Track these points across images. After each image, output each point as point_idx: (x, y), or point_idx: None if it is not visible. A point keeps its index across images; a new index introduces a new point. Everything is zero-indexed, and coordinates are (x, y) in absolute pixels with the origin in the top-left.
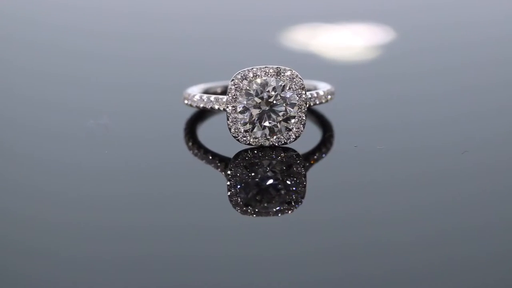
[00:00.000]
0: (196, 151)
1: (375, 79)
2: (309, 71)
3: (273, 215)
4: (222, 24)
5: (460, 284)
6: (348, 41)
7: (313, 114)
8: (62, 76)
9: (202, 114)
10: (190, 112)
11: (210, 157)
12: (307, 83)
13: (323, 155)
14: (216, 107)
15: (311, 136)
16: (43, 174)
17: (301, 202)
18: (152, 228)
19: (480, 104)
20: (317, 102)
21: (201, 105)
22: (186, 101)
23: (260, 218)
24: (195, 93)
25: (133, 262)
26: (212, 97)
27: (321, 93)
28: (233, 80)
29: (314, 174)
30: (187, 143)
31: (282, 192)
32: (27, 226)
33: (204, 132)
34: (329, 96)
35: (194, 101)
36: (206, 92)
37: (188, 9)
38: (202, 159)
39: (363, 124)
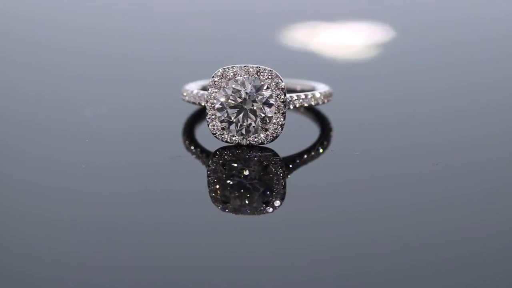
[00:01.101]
0: (192, 148)
1: (374, 77)
2: (308, 70)
3: (252, 214)
4: (222, 22)
5: (453, 283)
6: (347, 39)
7: (312, 112)
8: (60, 73)
9: (202, 113)
10: (190, 110)
11: (199, 153)
12: (306, 83)
13: (318, 149)
14: (203, 103)
15: (310, 134)
16: (40, 170)
17: (280, 201)
18: (132, 225)
19: (479, 102)
20: (305, 104)
21: (192, 100)
22: (182, 96)
23: (238, 216)
24: (192, 88)
25: (123, 259)
26: (201, 93)
27: (310, 95)
28: (213, 77)
29: (297, 175)
30: (184, 141)
31: (260, 190)
32: (20, 222)
33: (203, 131)
34: (321, 100)
35: (185, 96)
36: (204, 88)
37: (188, 7)
38: (197, 157)
39: (362, 122)
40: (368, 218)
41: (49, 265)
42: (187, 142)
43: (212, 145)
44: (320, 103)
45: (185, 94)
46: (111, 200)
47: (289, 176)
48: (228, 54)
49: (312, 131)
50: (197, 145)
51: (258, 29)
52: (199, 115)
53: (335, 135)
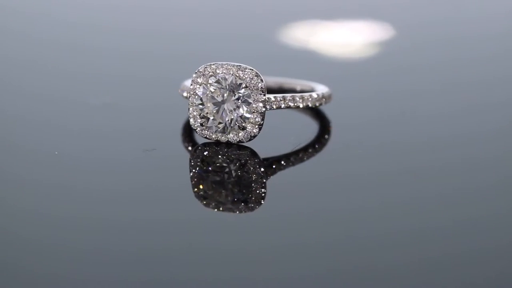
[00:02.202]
0: (189, 148)
1: (373, 75)
2: (307, 68)
3: (233, 211)
4: (221, 20)
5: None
6: (346, 38)
7: (311, 110)
8: (58, 70)
9: None
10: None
11: (189, 148)
12: (306, 83)
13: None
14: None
15: (309, 134)
16: (38, 167)
17: (262, 199)
18: (121, 222)
19: (478, 99)
20: (291, 105)
21: (184, 94)
22: (179, 91)
23: (219, 212)
24: (187, 84)
25: (119, 255)
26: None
27: (298, 97)
28: (196, 73)
29: (281, 176)
30: (183, 139)
31: (240, 188)
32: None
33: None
34: (318, 102)
35: (183, 91)
36: None
37: (188, 4)
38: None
39: (361, 120)
40: (366, 215)
41: (40, 260)
42: (186, 141)
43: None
44: (302, 106)
45: (180, 90)
46: (100, 196)
47: (270, 176)
48: (226, 52)
49: (311, 129)
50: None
51: (257, 27)
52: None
53: (333, 133)
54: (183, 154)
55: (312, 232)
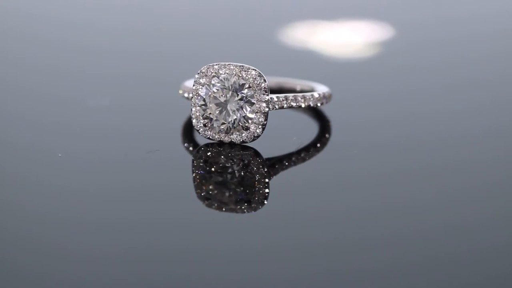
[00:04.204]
0: (191, 148)
1: (373, 75)
2: (307, 68)
3: (236, 212)
4: (222, 20)
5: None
6: (346, 38)
7: (311, 110)
8: (58, 70)
9: None
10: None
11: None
12: (306, 83)
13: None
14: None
15: (310, 134)
16: (38, 166)
17: (265, 199)
18: (122, 222)
19: (478, 99)
20: (293, 105)
21: (185, 95)
22: (180, 91)
23: (223, 212)
24: (190, 85)
25: (121, 255)
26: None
27: (300, 97)
28: (198, 73)
29: (284, 175)
30: (183, 139)
31: (243, 188)
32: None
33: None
34: (319, 102)
35: (181, 92)
36: None
37: (188, 4)
38: (191, 154)
39: (361, 120)
40: (366, 215)
41: (39, 262)
42: (185, 140)
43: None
44: (304, 106)
45: (181, 91)
46: (104, 196)
47: (273, 176)
48: (227, 52)
49: (311, 129)
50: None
51: (258, 27)
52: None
53: (333, 133)
54: (184, 155)
55: (315, 232)
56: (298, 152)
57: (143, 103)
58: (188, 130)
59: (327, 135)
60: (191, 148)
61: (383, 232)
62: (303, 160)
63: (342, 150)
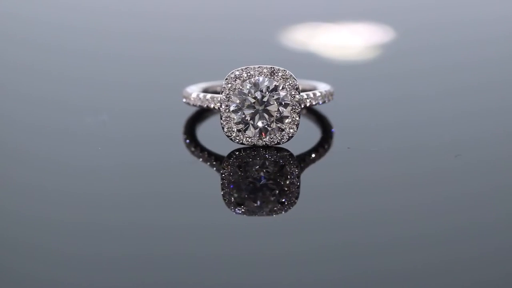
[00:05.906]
0: (193, 149)
1: (374, 78)
2: (308, 71)
3: (266, 215)
4: (222, 23)
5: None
6: (347, 40)
7: (312, 113)
8: (60, 75)
9: (202, 114)
10: (191, 111)
11: (206, 156)
12: (306, 83)
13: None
14: (212, 105)
15: (310, 135)
16: (40, 172)
17: (294, 202)
18: (145, 227)
19: (479, 103)
20: (313, 103)
21: (198, 104)
22: (184, 100)
23: (253, 217)
24: (193, 91)
25: (127, 261)
26: (208, 96)
27: (318, 94)
28: (227, 79)
29: (308, 174)
30: (185, 142)
31: (276, 191)
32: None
33: (203, 131)
34: (327, 98)
35: (191, 100)
36: (205, 91)
37: (187, 8)
38: (198, 158)
39: (363, 124)
40: (369, 219)
41: (49, 266)
42: (192, 145)
43: (212, 146)
44: (327, 101)
45: (191, 98)
46: (112, 202)
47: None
48: (227, 56)
49: (313, 132)
50: (201, 147)
51: (258, 30)
52: (198, 117)
53: (336, 136)
54: (186, 159)
55: (334, 235)
56: (308, 153)
57: (143, 108)
58: (190, 134)
59: (326, 146)
60: (191, 148)
61: (398, 236)
62: (313, 161)
63: (346, 152)
